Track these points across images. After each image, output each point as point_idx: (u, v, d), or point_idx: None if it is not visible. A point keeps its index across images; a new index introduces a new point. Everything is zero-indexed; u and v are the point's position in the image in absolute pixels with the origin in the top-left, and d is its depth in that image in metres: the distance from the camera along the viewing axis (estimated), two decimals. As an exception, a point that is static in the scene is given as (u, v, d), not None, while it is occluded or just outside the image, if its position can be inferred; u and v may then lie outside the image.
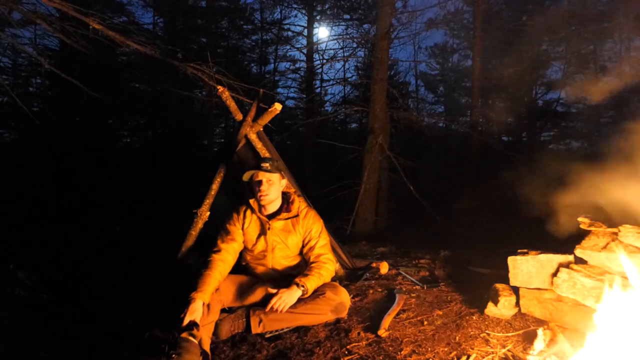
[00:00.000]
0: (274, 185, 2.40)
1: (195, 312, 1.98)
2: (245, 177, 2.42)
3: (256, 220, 2.46)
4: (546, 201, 2.44)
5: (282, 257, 2.47)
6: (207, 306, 2.07)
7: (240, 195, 2.71)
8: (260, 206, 2.47)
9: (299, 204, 2.53)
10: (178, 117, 10.74)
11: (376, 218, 6.85)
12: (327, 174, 9.08)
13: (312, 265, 2.40)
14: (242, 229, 2.44)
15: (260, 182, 2.37)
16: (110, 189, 7.74)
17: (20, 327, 2.39)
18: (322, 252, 2.46)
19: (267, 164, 2.38)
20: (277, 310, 2.16)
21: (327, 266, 2.41)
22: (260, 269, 2.49)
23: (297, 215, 2.47)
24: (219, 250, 2.33)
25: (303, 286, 2.24)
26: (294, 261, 2.51)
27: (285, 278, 2.40)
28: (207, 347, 1.94)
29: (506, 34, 9.44)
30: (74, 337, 2.26)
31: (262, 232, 2.44)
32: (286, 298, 2.19)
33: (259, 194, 2.38)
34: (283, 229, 2.44)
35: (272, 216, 2.46)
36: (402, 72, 15.35)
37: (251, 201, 2.48)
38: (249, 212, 2.47)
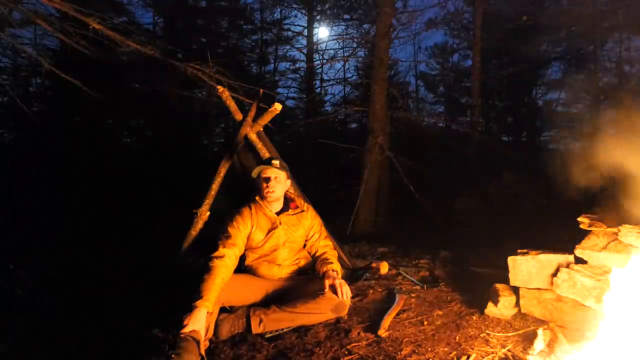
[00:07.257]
0: (280, 183, 2.46)
1: (198, 322, 1.94)
2: (255, 172, 2.48)
3: (263, 217, 2.46)
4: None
5: (289, 251, 2.51)
6: (209, 315, 2.05)
7: (240, 195, 2.70)
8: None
9: (301, 200, 2.67)
10: (178, 117, 10.73)
11: (376, 218, 6.84)
12: (327, 174, 9.08)
13: (326, 254, 2.57)
14: (249, 231, 2.42)
15: (268, 179, 2.42)
16: (110, 189, 7.73)
17: (20, 327, 2.39)
18: (328, 242, 2.66)
19: (278, 162, 2.47)
20: (346, 295, 2.31)
21: (335, 252, 2.67)
22: (263, 268, 2.48)
23: (303, 210, 2.59)
24: (221, 256, 2.23)
25: (336, 272, 2.44)
26: (295, 256, 2.56)
27: (287, 275, 2.50)
28: (202, 349, 1.92)
29: (506, 33, 9.45)
30: (74, 337, 2.26)
31: (272, 228, 2.46)
32: (344, 284, 2.35)
33: (265, 191, 2.41)
34: (292, 223, 2.52)
35: (279, 213, 2.51)
36: (402, 72, 15.37)
37: (257, 198, 2.49)
38: (254, 211, 2.46)
